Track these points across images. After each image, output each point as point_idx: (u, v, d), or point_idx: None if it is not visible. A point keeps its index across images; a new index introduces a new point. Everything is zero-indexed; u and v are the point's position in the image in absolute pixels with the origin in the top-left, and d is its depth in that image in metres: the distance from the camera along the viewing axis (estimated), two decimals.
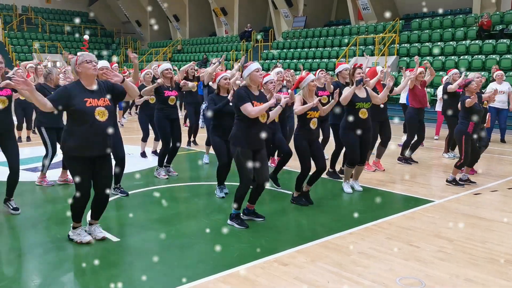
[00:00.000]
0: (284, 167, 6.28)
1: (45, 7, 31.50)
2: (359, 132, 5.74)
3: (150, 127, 7.97)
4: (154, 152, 8.29)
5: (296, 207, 5.37)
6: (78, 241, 4.08)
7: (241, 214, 4.77)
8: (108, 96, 3.94)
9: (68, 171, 6.11)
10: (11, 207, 4.96)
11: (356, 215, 5.02)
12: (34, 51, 26.58)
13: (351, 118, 5.69)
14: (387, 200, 5.78)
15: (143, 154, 8.24)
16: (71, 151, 3.87)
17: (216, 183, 5.80)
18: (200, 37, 26.73)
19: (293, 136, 5.39)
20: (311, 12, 22.19)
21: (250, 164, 4.51)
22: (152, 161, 7.86)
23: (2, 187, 5.08)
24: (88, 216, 4.41)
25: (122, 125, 12.68)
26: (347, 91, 5.64)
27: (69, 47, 29.21)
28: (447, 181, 6.45)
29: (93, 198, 4.14)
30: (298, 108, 5.16)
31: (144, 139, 8.16)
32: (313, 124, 5.26)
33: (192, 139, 9.50)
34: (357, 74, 5.68)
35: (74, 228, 4.16)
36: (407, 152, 7.86)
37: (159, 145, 6.87)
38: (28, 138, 9.95)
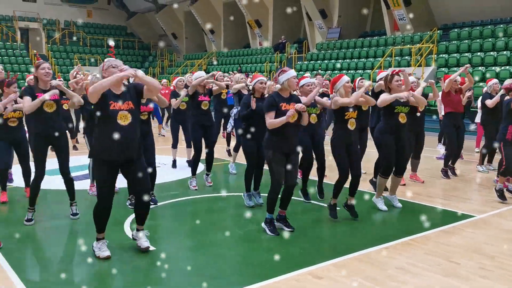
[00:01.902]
0: (311, 178, 6.20)
1: (86, 21, 32.68)
2: (396, 137, 5.51)
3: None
4: (189, 162, 8.35)
5: (329, 218, 5.29)
6: (97, 256, 4.02)
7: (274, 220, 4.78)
8: (134, 99, 3.93)
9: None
10: (72, 212, 5.15)
11: (392, 229, 4.90)
12: (75, 64, 27.59)
13: (389, 122, 5.51)
14: (425, 214, 5.61)
15: (175, 163, 8.31)
16: (96, 155, 3.91)
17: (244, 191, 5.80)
18: (235, 49, 27.04)
19: (330, 139, 5.24)
20: (346, 23, 22.07)
21: (281, 168, 4.54)
22: (185, 170, 7.95)
23: (59, 195, 5.24)
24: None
25: (164, 135, 12.94)
26: (386, 95, 5.45)
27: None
28: (495, 189, 6.21)
29: (134, 203, 4.18)
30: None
31: (174, 145, 8.28)
32: (351, 125, 5.10)
33: (227, 148, 9.54)
34: (395, 82, 5.47)
35: (97, 239, 4.11)
36: (447, 164, 7.62)
37: (192, 152, 6.90)
38: (75, 147, 10.22)
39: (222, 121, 9.00)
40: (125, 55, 31.26)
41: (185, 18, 30.02)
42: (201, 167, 7.50)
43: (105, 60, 3.99)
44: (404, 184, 7.01)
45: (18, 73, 21.71)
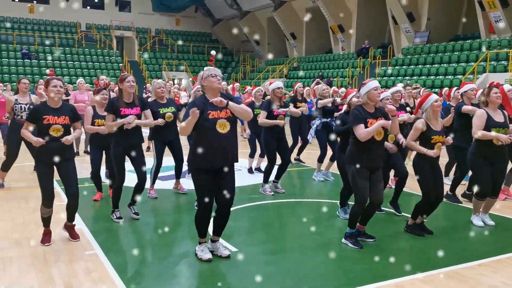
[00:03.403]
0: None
1: (175, 29, 34.36)
2: (491, 160, 5.03)
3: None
4: (258, 169, 8.41)
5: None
6: (199, 258, 4.12)
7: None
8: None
9: (180, 180, 6.52)
10: (133, 211, 5.37)
11: (485, 245, 4.55)
12: (163, 70, 29.12)
13: (483, 144, 4.99)
14: None
15: (250, 170, 8.37)
16: (195, 163, 3.97)
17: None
18: (316, 55, 26.89)
19: (413, 158, 4.93)
20: (435, 26, 21.02)
21: (365, 184, 4.37)
22: (258, 177, 8.00)
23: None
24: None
25: (245, 138, 13.17)
26: (478, 115, 4.95)
27: (193, 65, 31.43)
28: None
29: (215, 212, 4.15)
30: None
31: (252, 155, 8.36)
32: (437, 149, 4.72)
33: (297, 156, 9.46)
34: (493, 94, 4.96)
35: (200, 243, 4.19)
36: None
37: (263, 161, 6.93)
38: (148, 148, 10.70)
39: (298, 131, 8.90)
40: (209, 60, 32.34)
41: (267, 24, 30.44)
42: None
43: (205, 68, 4.04)
44: (505, 199, 6.47)
45: (109, 80, 23.36)
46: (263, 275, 3.82)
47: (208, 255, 4.10)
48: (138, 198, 5.34)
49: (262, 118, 6.37)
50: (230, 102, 3.87)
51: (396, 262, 4.15)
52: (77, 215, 4.65)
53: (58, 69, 26.55)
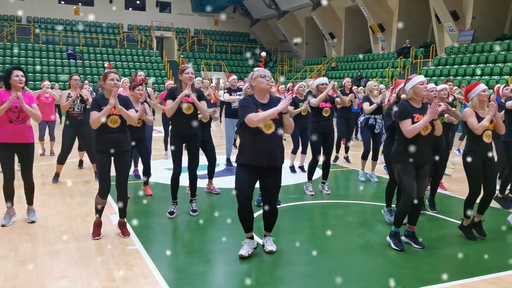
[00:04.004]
0: (439, 191, 5.76)
1: (213, 29, 34.74)
2: None
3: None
4: (301, 168, 8.35)
5: (459, 235, 4.86)
6: (239, 253, 4.16)
7: (402, 236, 4.54)
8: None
9: (212, 180, 6.59)
10: (191, 208, 5.47)
11: None
12: (202, 69, 29.49)
13: None
14: None
15: (292, 169, 8.32)
16: (239, 159, 4.06)
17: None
18: (355, 54, 26.52)
19: (463, 153, 4.82)
20: (481, 25, 20.29)
21: (412, 182, 4.28)
22: (301, 176, 7.97)
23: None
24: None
25: (285, 139, 13.15)
26: None
27: (231, 65, 31.67)
28: None
29: (263, 211, 4.27)
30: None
31: (294, 151, 8.31)
32: (487, 138, 4.64)
33: (345, 155, 9.36)
34: None
35: (247, 238, 4.27)
36: None
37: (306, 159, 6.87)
38: None
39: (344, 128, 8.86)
40: (247, 60, 32.54)
41: (306, 23, 30.29)
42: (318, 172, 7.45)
43: (255, 69, 4.10)
44: None
45: (148, 77, 23.87)
46: (304, 275, 3.80)
47: (243, 251, 4.15)
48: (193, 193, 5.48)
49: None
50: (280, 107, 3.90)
51: (439, 268, 4.02)
52: (117, 211, 4.75)
53: (101, 68, 27.39)
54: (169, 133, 6.01)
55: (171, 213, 5.33)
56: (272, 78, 4.22)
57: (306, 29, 30.53)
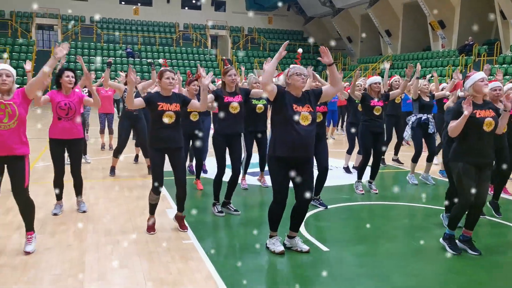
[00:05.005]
0: (502, 195, 5.47)
1: (267, 27, 34.84)
2: None
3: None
4: (356, 168, 8.18)
5: None
6: (272, 250, 4.15)
7: (457, 240, 4.36)
8: (312, 103, 4.02)
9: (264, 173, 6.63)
10: (232, 209, 5.47)
11: None
12: (255, 67, 29.67)
13: None
14: None
15: (347, 169, 8.18)
16: (275, 152, 3.99)
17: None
18: (413, 52, 25.66)
19: None
20: None
21: (471, 184, 4.09)
22: (353, 176, 7.82)
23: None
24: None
25: (334, 138, 13.04)
26: None
27: (284, 63, 31.64)
28: None
29: (293, 207, 4.19)
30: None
31: (349, 151, 8.17)
32: None
33: (395, 156, 9.07)
34: None
35: (270, 237, 4.23)
36: None
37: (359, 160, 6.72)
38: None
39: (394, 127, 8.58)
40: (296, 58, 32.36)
41: (361, 21, 29.69)
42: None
43: (291, 66, 4.11)
44: None
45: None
46: (354, 276, 3.75)
47: (280, 248, 4.13)
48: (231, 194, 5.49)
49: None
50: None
51: (501, 277, 3.83)
52: (174, 206, 4.89)
53: (157, 67, 28.24)
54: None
55: (220, 212, 5.37)
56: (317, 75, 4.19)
57: (361, 26, 29.92)
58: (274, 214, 4.13)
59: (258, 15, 34.45)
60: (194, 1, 34.10)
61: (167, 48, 30.54)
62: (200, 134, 6.34)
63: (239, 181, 6.67)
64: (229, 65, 5.41)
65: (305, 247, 4.21)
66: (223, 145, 5.27)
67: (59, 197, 5.26)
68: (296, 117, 3.89)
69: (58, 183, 5.16)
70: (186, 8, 33.92)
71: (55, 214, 5.17)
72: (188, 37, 32.32)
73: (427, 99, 7.08)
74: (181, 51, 30.50)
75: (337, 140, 12.82)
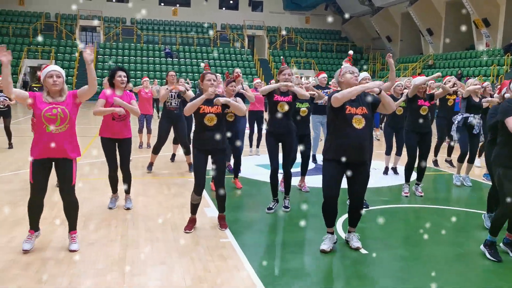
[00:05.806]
0: None
1: (304, 27, 34.65)
2: None
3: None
4: (394, 169, 8.01)
5: None
6: (320, 248, 4.23)
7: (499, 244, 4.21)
8: (367, 106, 4.04)
9: (304, 178, 6.56)
10: (284, 205, 5.52)
11: None
12: (291, 67, 29.57)
13: None
14: None
15: (386, 170, 8.05)
16: (328, 154, 4.09)
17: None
18: (455, 51, 24.89)
19: None
20: None
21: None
22: (396, 177, 7.65)
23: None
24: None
25: (378, 139, 12.80)
26: None
27: (321, 63, 31.37)
28: None
29: (349, 205, 4.33)
30: None
31: (388, 152, 8.00)
32: None
33: (434, 158, 8.79)
34: None
35: (327, 232, 4.33)
36: None
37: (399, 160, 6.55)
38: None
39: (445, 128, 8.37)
40: (337, 58, 32.04)
41: (401, 19, 29.07)
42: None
43: (343, 66, 4.19)
44: None
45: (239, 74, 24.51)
46: (394, 280, 3.66)
47: (323, 246, 4.21)
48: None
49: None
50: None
51: None
52: (212, 205, 4.94)
53: (195, 66, 28.63)
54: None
55: (270, 208, 5.44)
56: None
57: (401, 25, 29.30)
58: (325, 211, 4.22)
59: (295, 15, 34.33)
60: (231, 2, 34.35)
61: (204, 48, 30.90)
62: (236, 135, 6.39)
63: (299, 183, 6.67)
64: (285, 65, 5.44)
65: (356, 244, 4.28)
66: (274, 144, 5.36)
67: (114, 190, 5.46)
68: (349, 120, 3.96)
69: (112, 176, 5.35)
70: (224, 8, 34.22)
71: (110, 208, 5.38)
72: (225, 37, 32.58)
73: (477, 100, 6.91)
74: (218, 51, 30.77)
75: (375, 142, 12.57)
